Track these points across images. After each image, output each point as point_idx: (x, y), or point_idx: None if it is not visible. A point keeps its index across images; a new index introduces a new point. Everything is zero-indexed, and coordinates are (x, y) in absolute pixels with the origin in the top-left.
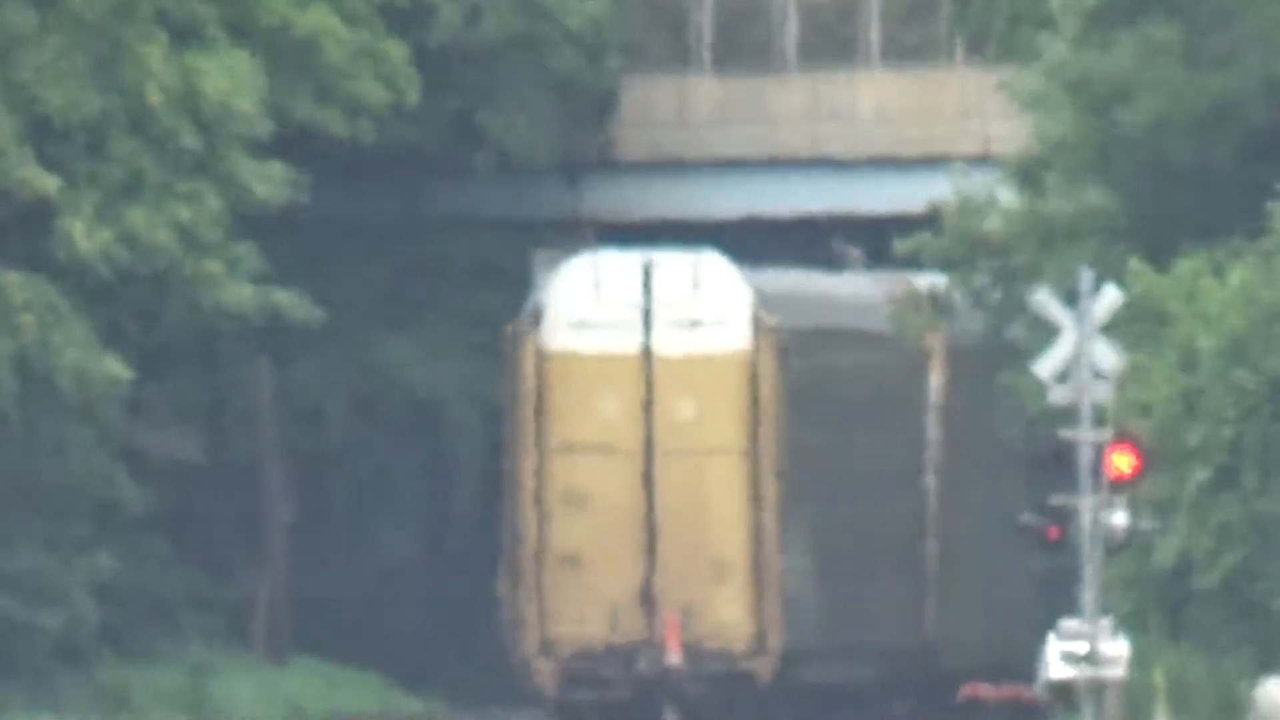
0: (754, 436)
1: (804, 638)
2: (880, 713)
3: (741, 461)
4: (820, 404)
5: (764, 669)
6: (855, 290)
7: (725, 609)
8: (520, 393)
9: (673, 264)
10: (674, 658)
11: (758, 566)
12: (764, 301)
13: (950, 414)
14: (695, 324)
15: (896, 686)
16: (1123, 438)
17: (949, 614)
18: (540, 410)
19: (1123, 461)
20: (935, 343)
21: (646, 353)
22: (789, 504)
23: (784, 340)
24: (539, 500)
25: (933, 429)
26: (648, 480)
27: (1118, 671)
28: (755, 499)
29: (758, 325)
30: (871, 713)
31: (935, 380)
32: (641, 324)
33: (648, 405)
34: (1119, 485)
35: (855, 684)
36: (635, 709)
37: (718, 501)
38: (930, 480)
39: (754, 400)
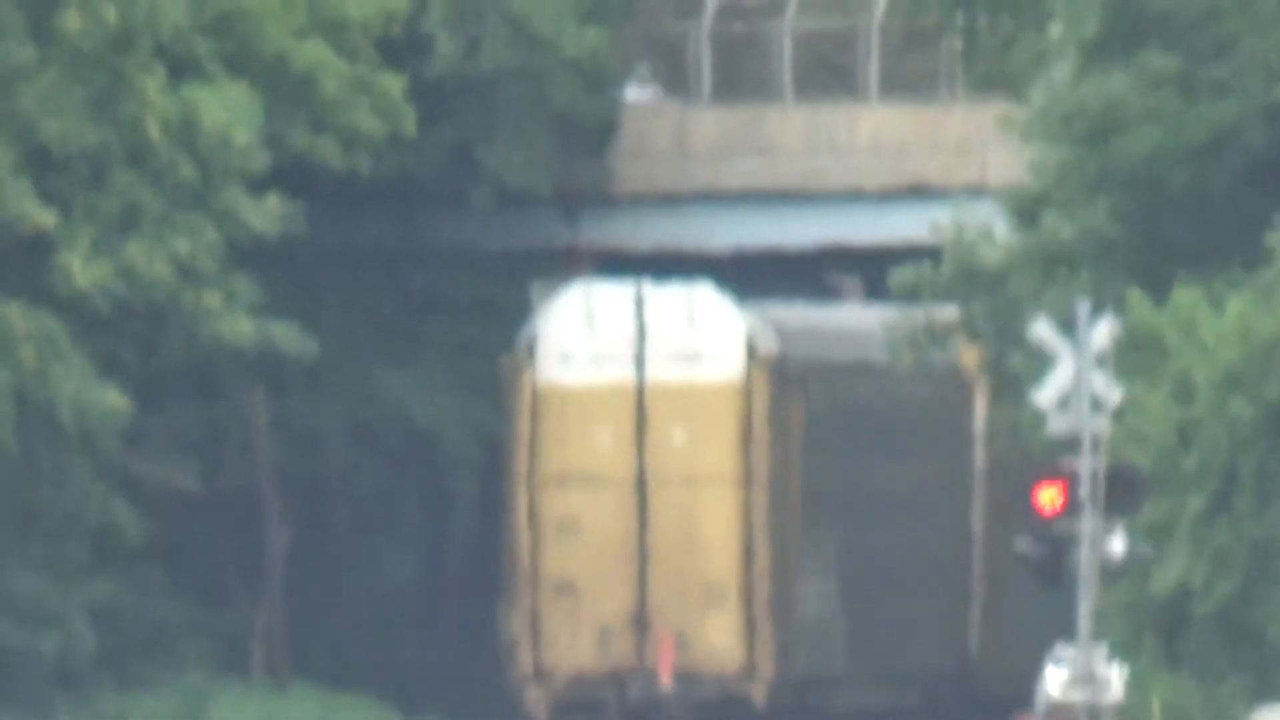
0: (747, 465)
1: (827, 663)
2: None
3: (734, 490)
4: (853, 434)
5: (757, 694)
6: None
7: (717, 634)
8: (515, 423)
9: (665, 296)
10: (666, 683)
11: (750, 593)
12: (788, 335)
13: (994, 440)
14: (688, 355)
15: (936, 712)
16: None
17: (993, 639)
18: (534, 440)
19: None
20: (979, 370)
21: (639, 384)
22: (814, 530)
23: (800, 372)
24: (533, 528)
25: (979, 455)
26: (641, 509)
27: (1114, 695)
28: (748, 527)
29: (751, 356)
30: None
31: (980, 407)
32: (634, 355)
33: (640, 435)
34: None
35: (888, 710)
36: None
37: (710, 529)
38: (977, 506)
39: (747, 430)
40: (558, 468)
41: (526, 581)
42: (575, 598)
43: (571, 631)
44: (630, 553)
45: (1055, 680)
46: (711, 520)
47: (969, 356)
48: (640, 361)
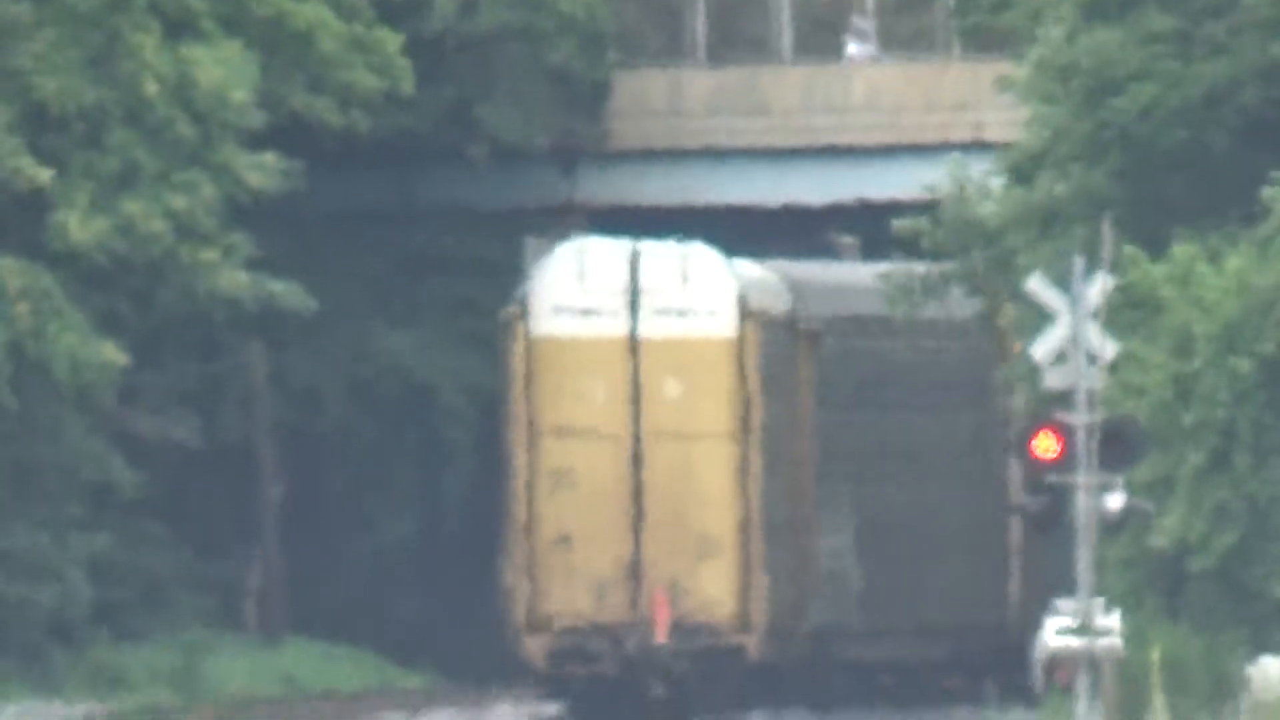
0: (741, 420)
1: (842, 616)
2: (928, 689)
3: (728, 444)
4: (871, 389)
5: (751, 645)
6: None
7: (711, 585)
8: (510, 377)
9: (659, 252)
10: (661, 634)
11: (744, 545)
12: (800, 290)
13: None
14: (681, 311)
15: (967, 665)
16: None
17: (1029, 593)
18: (529, 394)
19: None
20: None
21: (633, 337)
22: (828, 484)
23: (813, 327)
24: (529, 482)
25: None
26: (635, 462)
27: (1113, 642)
28: (742, 480)
29: (744, 313)
30: (918, 689)
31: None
32: (628, 310)
33: (635, 389)
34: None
35: (909, 663)
36: (623, 684)
37: (704, 482)
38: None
39: (741, 385)
40: (552, 420)
41: (522, 533)
42: (571, 549)
43: (567, 582)
44: (625, 505)
45: (1053, 630)
46: (705, 474)
47: (1006, 311)
48: (634, 316)
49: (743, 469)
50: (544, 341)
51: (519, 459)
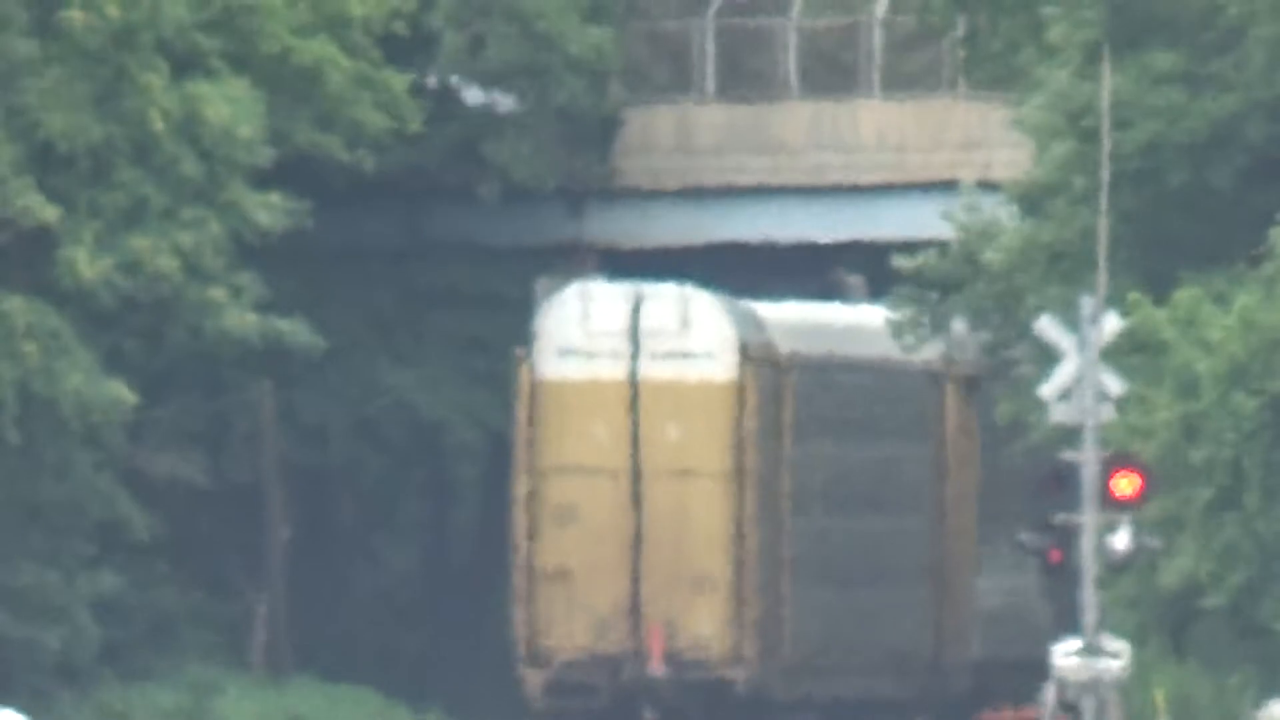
0: (738, 462)
1: (817, 651)
2: None
3: (725, 485)
4: (840, 426)
5: (741, 678)
6: None
7: (705, 622)
8: (515, 416)
9: (661, 296)
10: (656, 667)
11: (738, 583)
12: (780, 330)
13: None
14: (681, 353)
15: (929, 701)
16: (1126, 461)
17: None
18: (533, 433)
19: (1126, 484)
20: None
21: (634, 380)
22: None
23: (789, 365)
24: (531, 517)
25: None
26: (635, 500)
27: (1121, 664)
28: (738, 520)
29: (744, 357)
30: None
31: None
32: (629, 352)
33: (635, 430)
34: (1122, 506)
35: (878, 698)
36: (619, 715)
37: (701, 521)
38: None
39: (739, 428)
40: (555, 459)
41: (524, 569)
42: (571, 584)
43: (567, 617)
44: (624, 542)
45: (1062, 655)
46: (702, 513)
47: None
48: (635, 359)
49: (737, 508)
50: (548, 382)
51: (521, 495)
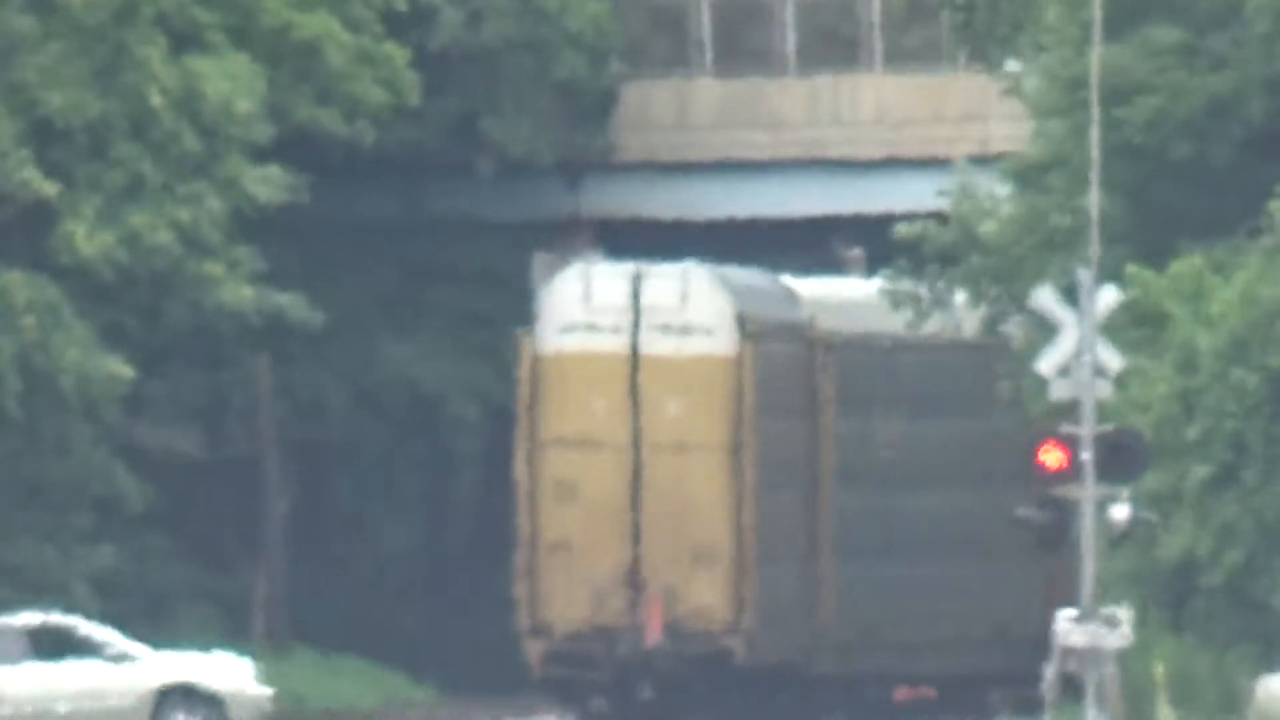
0: (737, 435)
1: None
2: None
3: (724, 458)
4: (880, 401)
5: (740, 647)
6: None
7: (705, 593)
8: (517, 392)
9: (661, 272)
10: (654, 638)
11: (738, 554)
12: (817, 305)
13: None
14: (680, 329)
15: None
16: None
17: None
18: (534, 408)
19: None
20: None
21: (634, 355)
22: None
23: (827, 341)
24: (532, 491)
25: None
26: (635, 473)
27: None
28: (737, 492)
29: (741, 331)
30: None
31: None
32: (629, 328)
33: (635, 404)
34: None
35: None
36: (617, 686)
37: (701, 494)
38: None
39: (738, 402)
40: (556, 432)
41: (526, 540)
42: (571, 556)
43: (567, 588)
44: (624, 515)
45: (1064, 623)
46: (702, 486)
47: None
48: (635, 334)
49: (737, 480)
50: (550, 357)
51: (522, 468)
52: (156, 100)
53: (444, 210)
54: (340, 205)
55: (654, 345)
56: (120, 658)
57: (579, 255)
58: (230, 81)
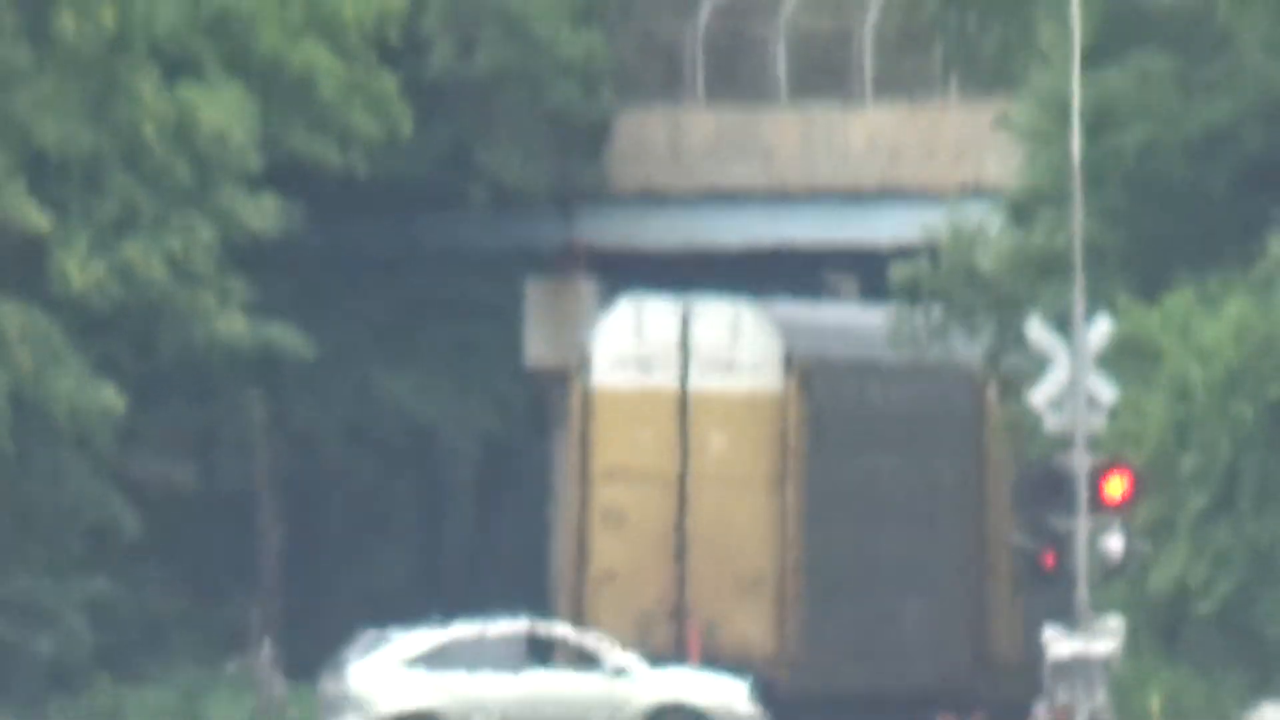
0: (782, 469)
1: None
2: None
3: (769, 490)
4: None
5: (784, 679)
6: None
7: (750, 624)
8: (569, 425)
9: (711, 309)
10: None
11: (781, 586)
12: (794, 332)
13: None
14: (728, 365)
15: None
16: (1117, 464)
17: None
18: (585, 439)
19: (1116, 487)
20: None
21: (682, 390)
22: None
23: (806, 369)
24: (582, 520)
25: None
26: (681, 505)
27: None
28: (781, 524)
29: (788, 369)
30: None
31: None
32: (679, 364)
33: (683, 438)
34: (1112, 510)
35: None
36: None
37: (745, 526)
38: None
39: (783, 436)
40: (605, 464)
41: (573, 569)
42: (618, 585)
43: (614, 617)
44: (670, 545)
45: (1054, 638)
46: (747, 518)
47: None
48: (684, 370)
49: (781, 513)
50: (601, 392)
51: (573, 499)
52: (149, 131)
53: (437, 241)
54: (333, 236)
55: (702, 381)
56: (618, 672)
57: (573, 285)
58: (223, 111)
